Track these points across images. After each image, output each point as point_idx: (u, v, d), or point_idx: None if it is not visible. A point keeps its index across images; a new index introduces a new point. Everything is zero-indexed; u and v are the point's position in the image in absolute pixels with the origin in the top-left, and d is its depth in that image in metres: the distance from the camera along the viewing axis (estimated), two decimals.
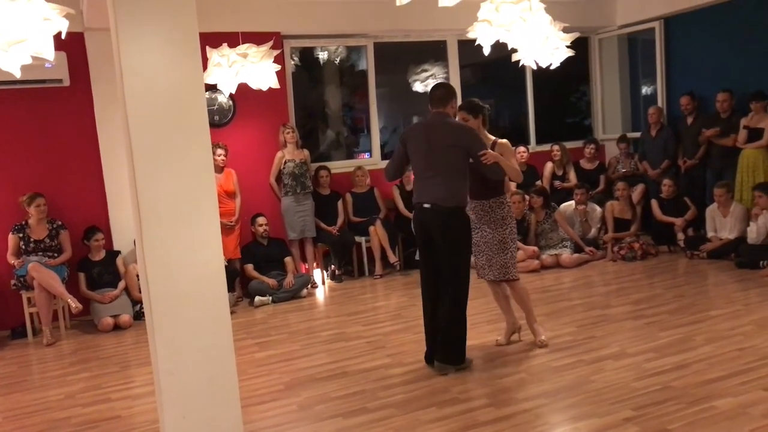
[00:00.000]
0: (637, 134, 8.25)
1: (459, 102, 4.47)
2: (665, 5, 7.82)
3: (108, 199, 6.28)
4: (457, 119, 4.22)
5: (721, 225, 6.73)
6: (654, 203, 7.35)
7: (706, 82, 7.56)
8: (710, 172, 7.30)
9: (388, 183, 7.52)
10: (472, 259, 4.35)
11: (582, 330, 4.72)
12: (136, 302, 5.91)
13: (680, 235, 7.10)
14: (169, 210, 2.85)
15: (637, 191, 7.70)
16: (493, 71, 9.03)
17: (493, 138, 4.32)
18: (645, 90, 8.89)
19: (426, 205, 4.06)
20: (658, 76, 8.23)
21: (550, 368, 4.01)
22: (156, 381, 3.00)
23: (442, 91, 4.18)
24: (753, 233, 6.25)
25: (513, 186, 7.60)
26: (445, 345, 4.05)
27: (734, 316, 4.80)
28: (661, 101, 8.18)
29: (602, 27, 8.62)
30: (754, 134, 6.73)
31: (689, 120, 7.50)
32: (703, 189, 7.37)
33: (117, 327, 5.77)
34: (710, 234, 6.83)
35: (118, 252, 6.22)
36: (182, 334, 2.90)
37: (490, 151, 4.03)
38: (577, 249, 7.13)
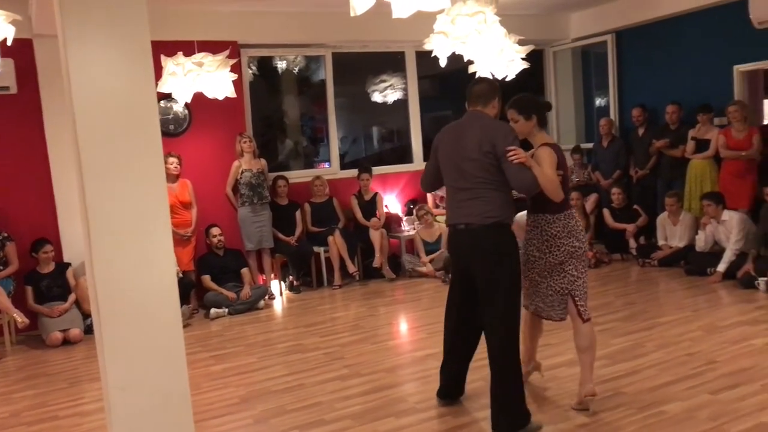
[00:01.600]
0: (591, 145, 8.44)
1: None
2: (617, 19, 8.05)
3: (57, 210, 6.12)
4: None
5: (672, 233, 6.92)
6: (606, 212, 7.53)
7: (656, 94, 7.80)
8: (660, 182, 7.51)
9: (346, 193, 7.53)
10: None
11: None
12: (87, 316, 5.75)
13: (632, 243, 7.27)
14: (120, 221, 2.78)
15: (591, 201, 7.87)
16: (451, 83, 9.12)
17: (546, 141, 3.48)
18: (598, 102, 9.11)
19: (460, 226, 3.38)
20: (610, 88, 8.45)
21: None
22: (105, 397, 2.91)
23: (483, 86, 3.48)
24: (701, 241, 6.44)
25: None
26: (503, 408, 3.25)
27: (683, 322, 4.93)
28: (613, 113, 8.40)
29: (556, 40, 8.81)
30: (702, 145, 6.95)
31: (640, 131, 7.71)
32: (654, 198, 7.58)
33: (66, 341, 5.60)
34: (661, 242, 7.01)
35: (68, 264, 6.05)
36: (133, 348, 2.83)
37: (519, 149, 3.23)
38: None
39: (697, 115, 7.01)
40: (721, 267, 6.05)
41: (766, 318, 4.87)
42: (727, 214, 6.19)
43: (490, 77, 4.80)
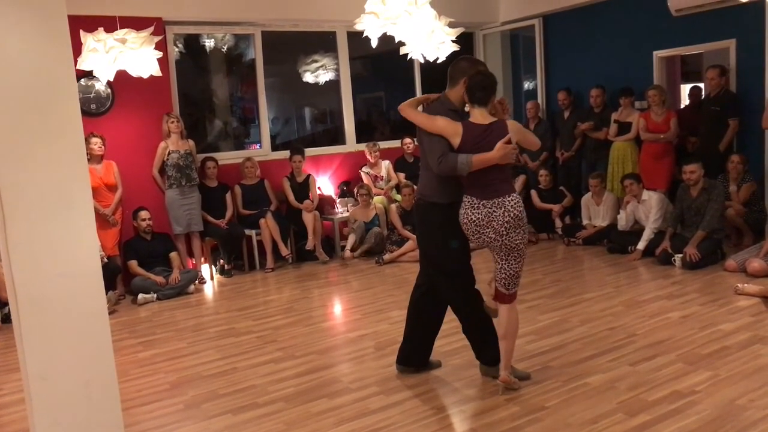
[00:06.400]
0: None
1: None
2: (544, 3, 8.21)
3: None
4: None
5: (595, 213, 7.18)
6: (533, 193, 7.73)
7: (581, 78, 8.02)
8: (585, 164, 7.77)
9: (278, 175, 7.44)
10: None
11: None
12: (4, 304, 5.48)
13: (558, 223, 7.51)
14: (37, 205, 2.66)
15: (519, 182, 8.06)
16: (384, 64, 9.11)
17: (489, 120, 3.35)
18: (526, 85, 9.30)
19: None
20: (537, 71, 8.64)
21: (439, 353, 4.10)
22: (26, 387, 2.79)
23: (451, 68, 3.50)
24: (622, 220, 6.72)
25: (402, 176, 7.74)
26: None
27: (606, 298, 5.15)
28: (540, 96, 8.60)
29: (486, 23, 8.92)
30: (624, 128, 7.22)
31: (566, 114, 7.93)
32: (578, 179, 7.83)
33: None
34: (585, 222, 7.27)
35: None
36: (55, 336, 2.71)
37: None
38: None
39: (619, 98, 7.28)
40: (641, 245, 6.33)
41: (682, 292, 5.14)
42: (646, 194, 6.47)
43: (422, 59, 4.83)
